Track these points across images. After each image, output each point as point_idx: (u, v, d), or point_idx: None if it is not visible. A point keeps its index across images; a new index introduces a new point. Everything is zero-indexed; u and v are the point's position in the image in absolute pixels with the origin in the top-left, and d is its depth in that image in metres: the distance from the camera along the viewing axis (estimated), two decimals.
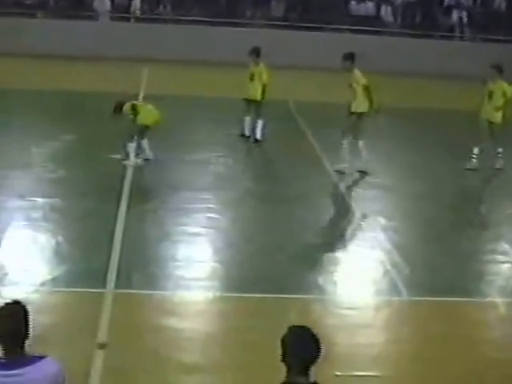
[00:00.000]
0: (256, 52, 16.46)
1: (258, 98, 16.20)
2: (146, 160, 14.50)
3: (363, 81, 14.55)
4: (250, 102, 16.37)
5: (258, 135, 16.34)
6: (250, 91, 16.32)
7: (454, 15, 29.22)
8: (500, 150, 15.37)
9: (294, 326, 4.99)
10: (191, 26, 26.81)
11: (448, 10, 29.61)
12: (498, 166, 15.44)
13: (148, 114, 14.36)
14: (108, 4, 27.80)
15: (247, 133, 16.54)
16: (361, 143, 14.60)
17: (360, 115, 14.58)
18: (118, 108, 14.27)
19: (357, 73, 14.62)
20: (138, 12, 27.83)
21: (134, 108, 14.28)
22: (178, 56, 24.32)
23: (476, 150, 15.25)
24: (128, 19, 28.00)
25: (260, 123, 16.30)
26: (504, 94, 15.04)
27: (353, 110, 14.59)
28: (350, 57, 14.78)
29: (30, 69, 22.79)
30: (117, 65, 23.75)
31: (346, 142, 14.56)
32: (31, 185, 13.26)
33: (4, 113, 17.66)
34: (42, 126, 16.96)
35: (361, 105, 14.47)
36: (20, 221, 11.65)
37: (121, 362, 7.88)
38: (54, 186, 13.30)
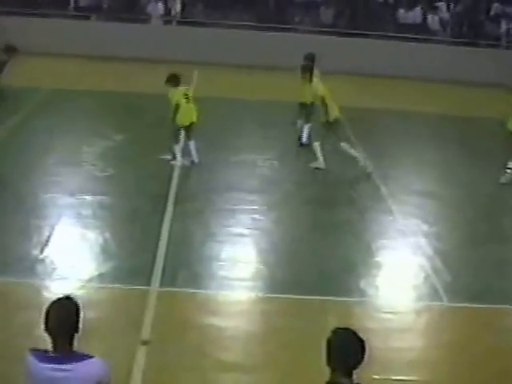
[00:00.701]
0: (311, 58, 16.28)
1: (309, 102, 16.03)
2: (192, 162, 14.51)
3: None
4: (303, 105, 16.23)
5: (304, 139, 16.27)
6: (305, 95, 16.11)
7: (502, 25, 28.91)
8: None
9: (338, 329, 4.90)
10: (240, 31, 26.83)
11: (495, 19, 29.29)
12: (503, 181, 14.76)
13: (185, 114, 14.18)
14: (161, 8, 27.95)
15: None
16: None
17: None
18: (173, 78, 14.11)
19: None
20: (177, 15, 27.89)
21: (176, 107, 14.15)
22: (227, 60, 24.32)
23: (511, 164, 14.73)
24: (180, 23, 28.08)
25: (307, 127, 16.22)
26: None
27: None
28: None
29: (84, 70, 23.00)
30: (168, 67, 23.78)
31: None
32: (81, 182, 13.34)
33: (59, 113, 17.89)
34: (95, 126, 17.08)
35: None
36: (69, 217, 11.75)
37: (163, 359, 7.90)
38: (103, 185, 13.38)
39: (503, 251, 11.76)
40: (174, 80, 14.15)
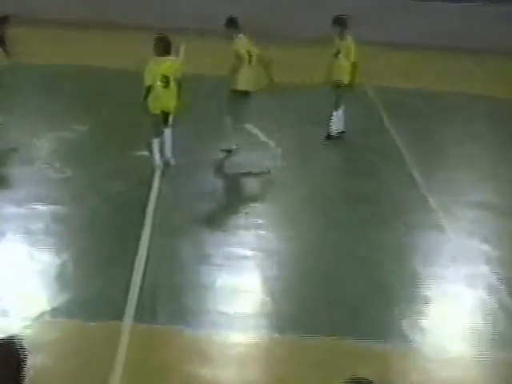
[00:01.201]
0: (341, 22, 16.31)
1: (345, 81, 16.15)
2: (167, 164, 14.49)
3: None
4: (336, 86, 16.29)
5: (333, 129, 16.34)
6: (335, 72, 16.27)
7: None
8: None
9: (352, 378, 4.96)
10: None
11: None
12: None
13: (157, 97, 14.12)
14: None
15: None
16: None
17: None
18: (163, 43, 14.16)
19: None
20: None
21: (149, 89, 14.05)
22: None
23: None
24: None
25: (338, 114, 16.36)
26: None
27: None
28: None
29: (47, 38, 22.78)
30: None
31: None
32: (31, 188, 13.28)
33: (6, 94, 17.78)
34: (52, 111, 16.98)
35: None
36: (15, 233, 11.69)
37: None
38: (58, 190, 13.34)
39: None
40: (161, 46, 14.13)
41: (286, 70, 19.14)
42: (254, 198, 13.54)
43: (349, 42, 16.32)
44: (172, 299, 10.11)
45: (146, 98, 14.09)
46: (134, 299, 9.91)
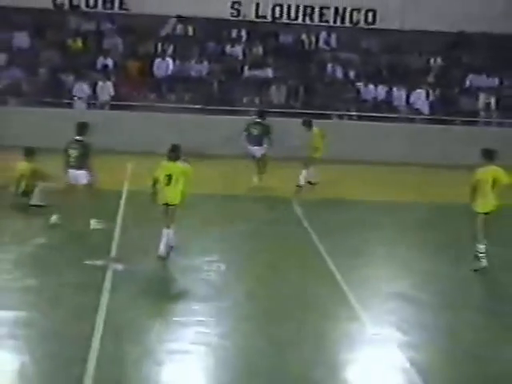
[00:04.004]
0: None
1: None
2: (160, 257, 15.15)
3: None
4: None
5: None
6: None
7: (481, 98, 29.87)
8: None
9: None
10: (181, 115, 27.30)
11: (472, 93, 30.24)
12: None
13: (161, 192, 15.28)
14: (87, 90, 28.42)
15: None
16: None
17: None
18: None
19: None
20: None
21: (154, 182, 15.35)
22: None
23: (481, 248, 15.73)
24: (112, 107, 28.45)
25: None
26: None
27: None
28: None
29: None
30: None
31: None
32: None
33: None
34: (8, 228, 17.01)
35: None
36: None
37: None
38: (20, 297, 13.19)
39: (490, 360, 11.76)
40: (172, 153, 15.40)
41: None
42: (194, 299, 13.44)
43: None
44: None
45: (153, 186, 15.34)
46: None
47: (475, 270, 15.67)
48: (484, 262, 15.72)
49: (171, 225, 15.47)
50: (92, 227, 17.22)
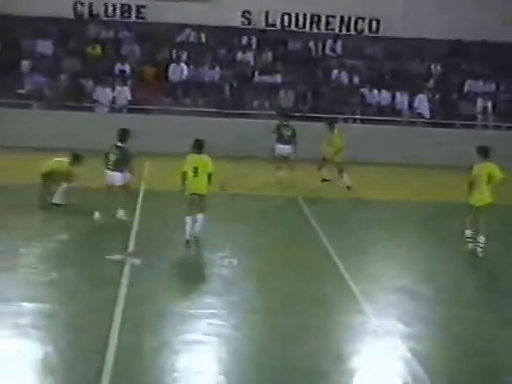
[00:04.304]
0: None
1: None
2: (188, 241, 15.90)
3: None
4: None
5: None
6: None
7: (478, 103, 29.90)
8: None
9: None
10: (195, 118, 27.36)
11: (470, 98, 30.28)
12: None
13: (189, 183, 15.99)
14: (109, 95, 28.51)
15: None
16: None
17: None
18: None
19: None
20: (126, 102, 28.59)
21: (183, 175, 15.98)
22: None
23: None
24: (130, 110, 28.52)
25: None
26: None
27: None
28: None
29: (25, 163, 23.04)
30: None
31: None
32: (19, 288, 13.20)
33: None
34: (32, 225, 17.07)
35: None
36: (5, 328, 11.52)
37: None
38: (44, 290, 13.23)
39: (488, 352, 11.77)
40: (196, 146, 16.13)
41: None
42: (208, 293, 13.46)
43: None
44: (138, 382, 9.98)
45: (182, 182, 15.93)
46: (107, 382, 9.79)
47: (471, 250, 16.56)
48: (470, 246, 16.66)
49: (201, 213, 16.15)
50: (118, 217, 17.54)
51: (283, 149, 23.32)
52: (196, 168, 15.97)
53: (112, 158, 17.66)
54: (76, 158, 19.07)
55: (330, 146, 22.34)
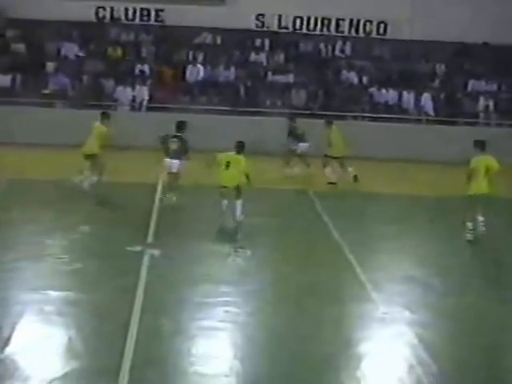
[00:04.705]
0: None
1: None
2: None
3: None
4: None
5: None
6: None
7: (481, 102, 29.83)
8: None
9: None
10: (211, 116, 27.37)
11: (473, 97, 30.21)
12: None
13: (221, 175, 17.16)
14: (129, 94, 28.55)
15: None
16: None
17: None
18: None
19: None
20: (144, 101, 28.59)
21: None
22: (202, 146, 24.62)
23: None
24: (149, 109, 28.55)
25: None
26: None
27: None
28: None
29: (47, 159, 23.14)
30: (136, 154, 24.12)
31: None
32: (45, 277, 13.24)
33: (15, 204, 17.92)
34: (60, 218, 17.07)
35: None
36: (32, 314, 11.57)
37: None
38: (68, 279, 13.28)
39: (490, 338, 11.73)
40: (239, 147, 17.23)
41: None
42: (223, 282, 13.46)
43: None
44: (156, 365, 9.97)
45: (213, 160, 17.12)
46: (127, 367, 9.79)
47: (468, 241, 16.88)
48: (469, 236, 16.92)
49: (237, 199, 17.29)
50: (166, 197, 18.81)
51: (303, 146, 23.41)
52: (228, 162, 16.93)
53: (172, 146, 18.58)
54: (105, 116, 20.07)
55: (327, 142, 22.40)
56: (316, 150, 22.53)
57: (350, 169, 22.53)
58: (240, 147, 17.12)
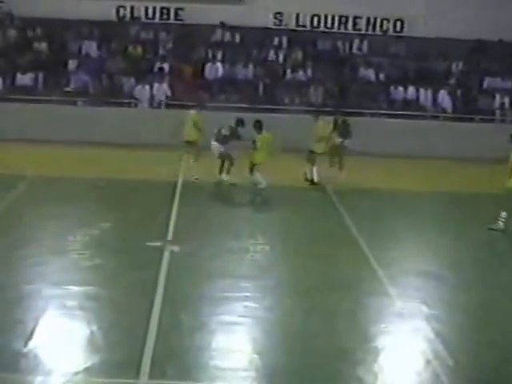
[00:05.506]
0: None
1: None
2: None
3: None
4: None
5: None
6: None
7: (497, 99, 29.72)
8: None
9: None
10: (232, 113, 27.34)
11: (489, 94, 30.08)
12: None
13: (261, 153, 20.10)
14: (148, 92, 28.59)
15: None
16: None
17: None
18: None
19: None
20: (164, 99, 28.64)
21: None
22: None
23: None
24: (168, 106, 28.60)
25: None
26: None
27: None
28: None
29: (70, 156, 23.28)
30: (156, 152, 24.18)
31: None
32: (67, 272, 13.30)
33: (41, 200, 17.99)
34: (82, 214, 17.14)
35: None
36: (54, 309, 11.64)
37: None
38: (89, 274, 13.34)
39: (506, 333, 11.69)
40: (257, 126, 20.37)
41: None
42: (242, 277, 13.47)
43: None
44: (177, 358, 10.04)
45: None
46: (148, 360, 9.86)
47: (490, 229, 17.17)
48: (501, 225, 17.22)
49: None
50: (226, 181, 20.73)
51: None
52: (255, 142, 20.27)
53: (223, 133, 20.79)
54: (200, 107, 22.16)
55: (315, 137, 21.59)
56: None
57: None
58: (259, 127, 20.18)
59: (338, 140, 22.51)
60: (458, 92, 30.08)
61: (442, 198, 21.08)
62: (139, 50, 30.68)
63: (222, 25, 31.07)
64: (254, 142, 20.25)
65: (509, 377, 10.31)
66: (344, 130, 22.67)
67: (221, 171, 21.03)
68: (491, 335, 11.53)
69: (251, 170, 20.44)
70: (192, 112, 21.91)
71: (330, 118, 22.61)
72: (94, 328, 10.86)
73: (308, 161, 21.65)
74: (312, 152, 21.55)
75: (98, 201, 18.49)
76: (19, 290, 12.30)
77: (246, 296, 12.48)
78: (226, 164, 20.94)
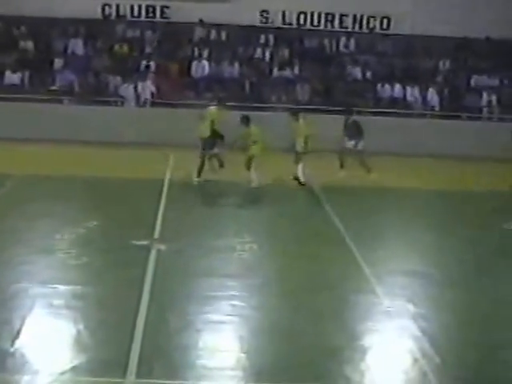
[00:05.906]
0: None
1: None
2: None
3: None
4: None
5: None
6: None
7: (484, 97, 29.86)
8: None
9: None
10: None
11: (476, 92, 30.22)
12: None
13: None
14: (133, 90, 28.58)
15: None
16: None
17: None
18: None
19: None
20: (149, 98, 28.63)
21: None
22: None
23: None
24: (154, 104, 28.58)
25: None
26: None
27: None
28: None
29: (57, 155, 23.25)
30: (144, 151, 24.17)
31: None
32: (54, 271, 13.28)
33: (31, 200, 17.96)
34: (68, 213, 17.13)
35: None
36: (41, 308, 11.62)
37: None
38: (76, 273, 13.32)
39: (492, 331, 11.76)
40: (246, 121, 20.57)
41: None
42: (229, 276, 13.49)
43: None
44: (164, 358, 10.04)
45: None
46: (135, 359, 9.87)
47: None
48: None
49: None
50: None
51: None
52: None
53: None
54: (220, 103, 21.88)
55: (298, 137, 21.17)
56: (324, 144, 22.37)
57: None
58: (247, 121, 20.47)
59: (350, 143, 22.10)
60: (445, 90, 30.21)
61: (429, 196, 21.18)
62: (125, 48, 30.67)
63: (202, 23, 31.11)
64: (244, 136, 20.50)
65: (495, 375, 10.35)
66: (355, 132, 22.15)
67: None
68: (479, 334, 11.58)
69: (248, 166, 20.43)
70: (212, 108, 21.47)
71: (313, 117, 22.60)
72: (81, 327, 10.86)
73: (294, 160, 21.53)
74: (296, 152, 21.29)
75: (84, 199, 18.47)
76: (5, 289, 12.28)
77: (233, 295, 12.50)
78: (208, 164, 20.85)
